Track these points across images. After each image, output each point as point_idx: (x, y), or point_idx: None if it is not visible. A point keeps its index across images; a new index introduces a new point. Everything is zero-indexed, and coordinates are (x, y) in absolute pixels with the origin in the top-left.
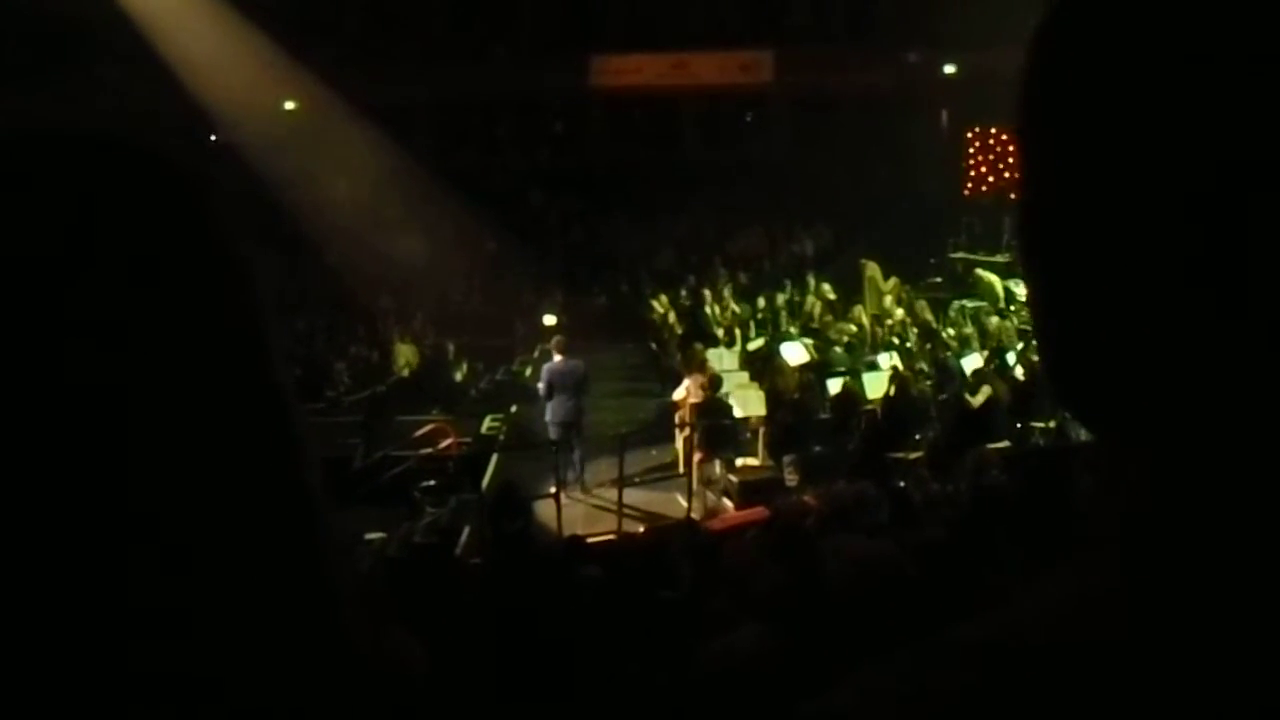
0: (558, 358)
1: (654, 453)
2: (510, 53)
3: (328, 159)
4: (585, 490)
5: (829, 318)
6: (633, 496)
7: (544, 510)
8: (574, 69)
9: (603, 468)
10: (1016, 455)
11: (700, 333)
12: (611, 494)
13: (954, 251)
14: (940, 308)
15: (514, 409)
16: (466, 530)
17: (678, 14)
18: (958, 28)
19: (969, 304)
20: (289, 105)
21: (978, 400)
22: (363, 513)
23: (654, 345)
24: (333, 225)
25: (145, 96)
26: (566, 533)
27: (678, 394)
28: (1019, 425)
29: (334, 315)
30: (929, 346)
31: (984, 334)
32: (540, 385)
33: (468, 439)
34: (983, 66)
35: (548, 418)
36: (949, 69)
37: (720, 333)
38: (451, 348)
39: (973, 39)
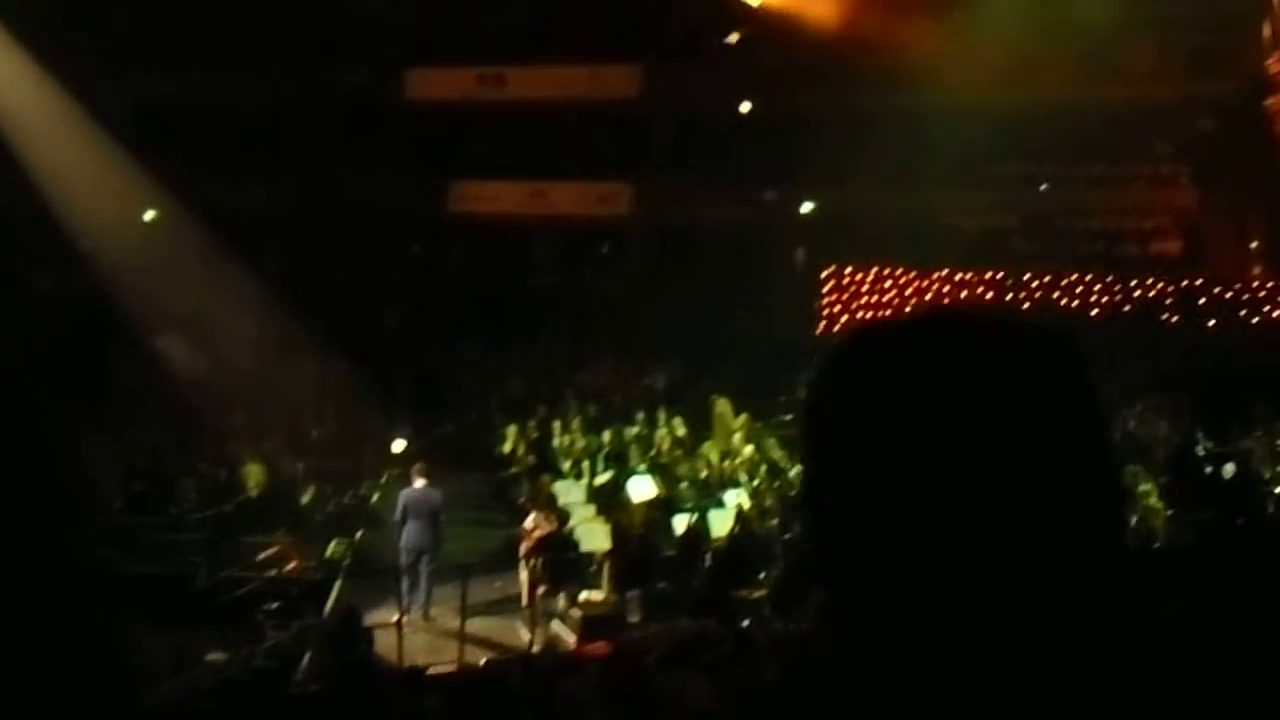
0: (418, 483)
1: (499, 584)
2: (370, 173)
3: (183, 271)
4: (429, 619)
5: (678, 453)
6: (476, 627)
7: (387, 638)
8: (433, 194)
9: (448, 597)
10: None
11: (548, 465)
12: (455, 623)
13: (805, 389)
14: (790, 445)
15: (359, 534)
16: (308, 656)
17: (538, 143)
18: (815, 166)
19: None
20: (149, 215)
21: None
22: (205, 633)
23: (502, 476)
24: (186, 338)
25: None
26: (408, 662)
27: (524, 525)
28: None
29: (183, 431)
30: (777, 484)
31: None
32: (397, 510)
33: (312, 563)
34: (839, 205)
35: (401, 543)
36: (806, 207)
37: (568, 465)
38: (300, 469)
39: (829, 178)
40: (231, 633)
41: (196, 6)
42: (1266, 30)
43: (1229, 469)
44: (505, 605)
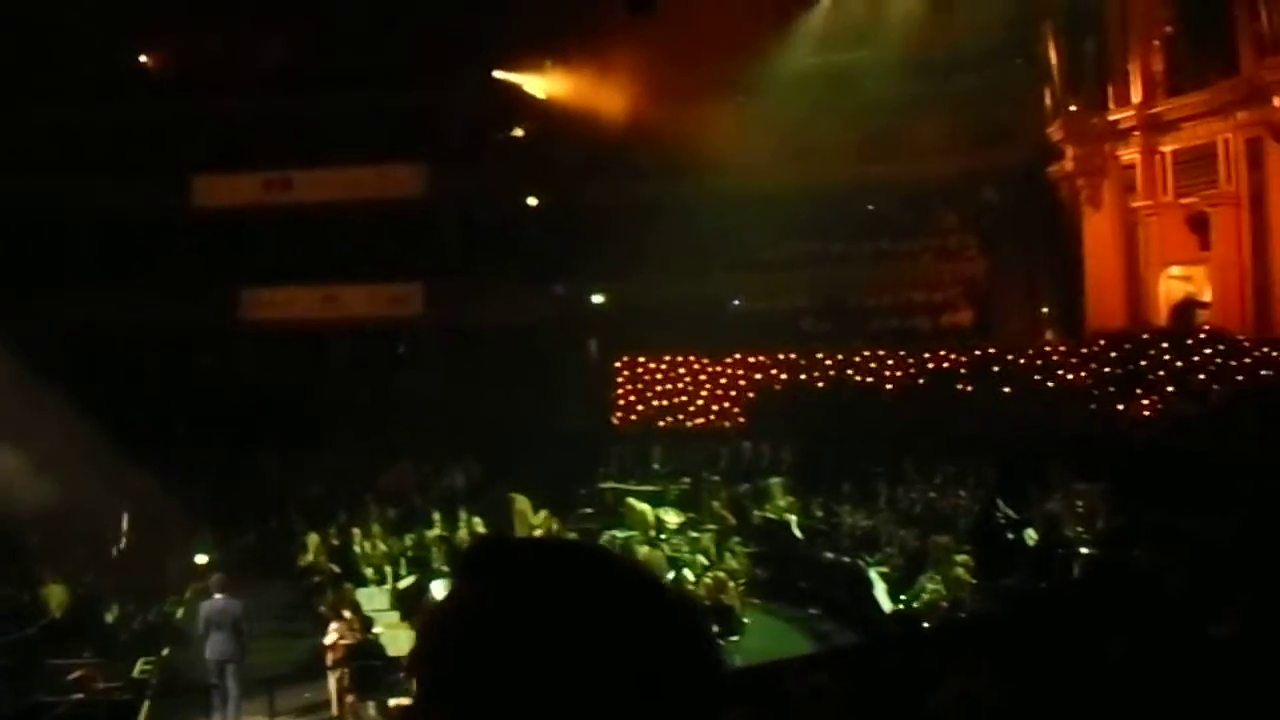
0: (217, 595)
1: (307, 694)
2: (158, 285)
3: None
4: None
5: None
6: None
7: None
8: (223, 302)
9: (258, 709)
10: None
11: (351, 571)
12: None
13: (604, 481)
14: (591, 539)
15: (166, 651)
16: None
17: (328, 246)
18: (605, 258)
19: (619, 534)
20: None
21: None
22: None
23: (305, 585)
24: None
25: None
26: None
27: (329, 636)
28: None
29: None
30: None
31: None
32: (199, 624)
33: (118, 684)
34: (630, 295)
35: (206, 655)
36: (596, 299)
37: (370, 571)
38: (104, 587)
39: (619, 269)
40: None
41: None
42: (1048, 99)
43: (1030, 534)
44: (315, 715)
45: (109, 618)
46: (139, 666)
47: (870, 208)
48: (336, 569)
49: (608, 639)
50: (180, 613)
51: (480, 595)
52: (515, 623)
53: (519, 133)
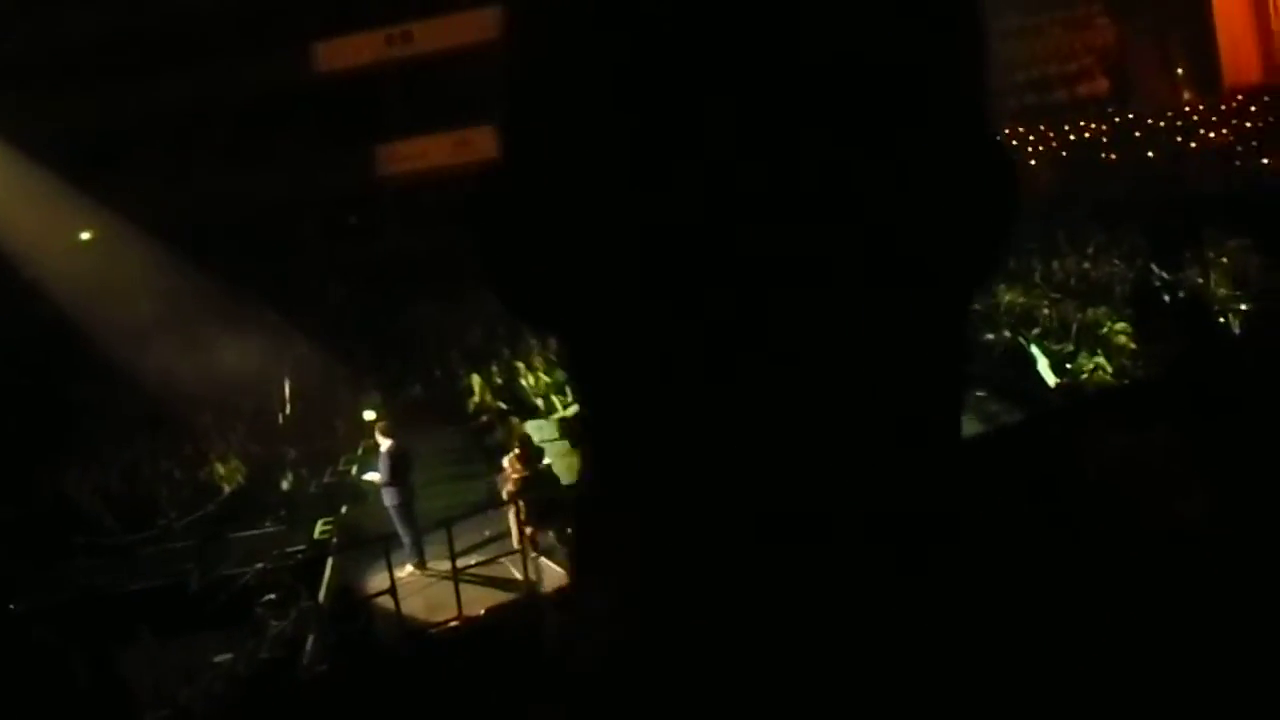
0: (388, 442)
1: (486, 532)
2: (297, 154)
3: (129, 284)
4: (425, 573)
5: None
6: (470, 576)
7: (386, 604)
8: (361, 161)
9: (438, 553)
10: None
11: (521, 406)
12: (448, 578)
13: None
14: None
15: (344, 510)
16: (310, 639)
17: (455, 92)
18: None
19: None
20: (85, 235)
21: None
22: (207, 636)
23: (475, 425)
24: (143, 349)
25: None
26: (410, 624)
27: (503, 470)
28: None
29: (157, 440)
30: None
31: None
32: (378, 475)
33: (301, 546)
34: None
35: (389, 502)
36: None
37: (540, 403)
38: (279, 456)
39: None
40: (234, 630)
41: (95, 21)
42: None
43: (1186, 295)
44: (495, 547)
45: (284, 485)
46: (319, 528)
47: None
48: (504, 405)
49: None
50: (354, 470)
51: None
52: None
53: None
